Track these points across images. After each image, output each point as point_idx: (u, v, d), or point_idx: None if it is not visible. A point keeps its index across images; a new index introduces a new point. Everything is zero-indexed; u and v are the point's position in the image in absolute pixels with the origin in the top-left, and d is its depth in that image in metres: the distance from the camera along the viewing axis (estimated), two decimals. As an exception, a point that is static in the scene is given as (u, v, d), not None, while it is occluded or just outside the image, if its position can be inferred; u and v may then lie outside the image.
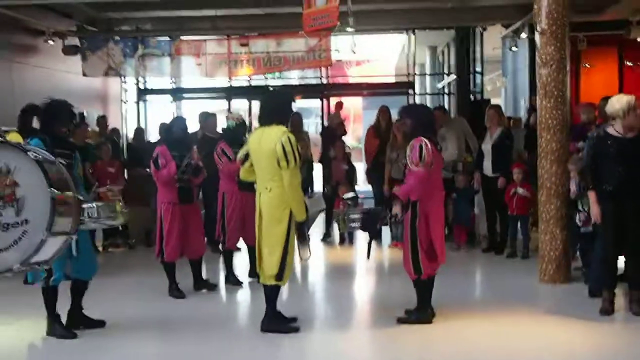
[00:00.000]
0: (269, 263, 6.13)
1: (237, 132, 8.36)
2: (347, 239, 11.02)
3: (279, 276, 6.14)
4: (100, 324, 6.51)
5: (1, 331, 6.40)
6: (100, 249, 10.35)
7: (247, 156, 6.39)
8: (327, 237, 11.38)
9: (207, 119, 10.43)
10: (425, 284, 6.44)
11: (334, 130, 12.47)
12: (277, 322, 6.29)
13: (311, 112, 20.10)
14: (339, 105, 14.76)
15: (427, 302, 6.48)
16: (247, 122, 9.33)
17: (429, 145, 6.24)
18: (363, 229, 6.85)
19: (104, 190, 6.38)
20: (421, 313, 6.47)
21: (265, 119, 6.29)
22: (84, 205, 5.49)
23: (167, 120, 12.61)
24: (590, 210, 6.60)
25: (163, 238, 7.64)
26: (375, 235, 7.39)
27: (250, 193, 8.10)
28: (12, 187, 4.69)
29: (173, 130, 7.96)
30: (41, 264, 5.11)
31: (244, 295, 8.01)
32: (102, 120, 12.45)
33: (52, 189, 4.63)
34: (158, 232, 7.71)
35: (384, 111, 11.36)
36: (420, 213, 6.28)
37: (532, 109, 11.93)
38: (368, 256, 6.89)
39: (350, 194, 7.72)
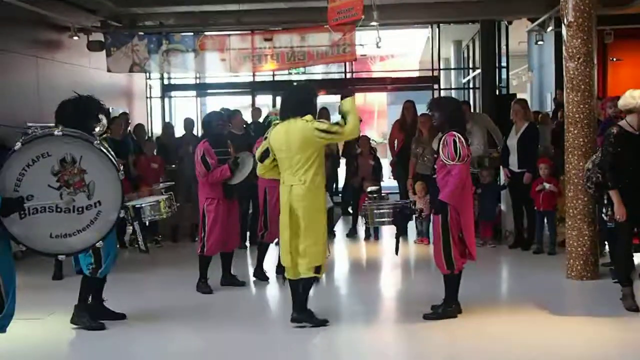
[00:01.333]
0: (315, 254, 6.13)
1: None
2: (373, 234, 10.98)
3: (319, 268, 6.17)
4: (121, 316, 6.57)
5: (31, 326, 6.44)
6: (127, 244, 10.40)
7: (267, 152, 6.36)
8: (353, 233, 11.35)
9: (234, 115, 10.38)
10: (455, 278, 6.42)
11: None
12: (308, 313, 6.30)
13: (335, 107, 20.06)
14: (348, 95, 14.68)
15: (454, 297, 6.45)
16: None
17: (462, 139, 6.20)
18: (393, 223, 6.81)
19: (153, 188, 6.81)
20: (447, 307, 6.44)
21: (289, 112, 6.25)
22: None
23: (192, 116, 12.69)
24: (615, 209, 6.49)
25: (205, 232, 7.69)
26: (403, 231, 7.37)
27: None
28: (80, 174, 5.22)
29: (213, 125, 7.98)
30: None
31: (272, 290, 8.01)
32: (123, 117, 12.48)
33: (120, 172, 5.24)
34: (201, 226, 7.78)
35: (409, 106, 11.32)
36: (451, 208, 6.25)
37: (558, 103, 11.82)
38: (397, 252, 6.85)
39: (374, 188, 7.69)
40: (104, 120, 6.08)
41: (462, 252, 6.33)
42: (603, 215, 7.66)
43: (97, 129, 5.91)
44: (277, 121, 6.50)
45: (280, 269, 8.47)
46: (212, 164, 7.62)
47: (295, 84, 7.90)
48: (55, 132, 5.26)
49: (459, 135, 6.23)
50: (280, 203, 6.34)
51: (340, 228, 12.03)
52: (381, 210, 6.82)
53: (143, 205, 6.60)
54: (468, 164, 6.35)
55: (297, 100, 6.36)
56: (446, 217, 6.25)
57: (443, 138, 6.31)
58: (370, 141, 11.89)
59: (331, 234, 11.23)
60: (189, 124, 11.60)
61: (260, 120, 12.51)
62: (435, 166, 6.41)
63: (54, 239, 5.29)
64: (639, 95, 6.46)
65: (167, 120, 16.55)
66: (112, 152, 5.72)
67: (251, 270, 8.49)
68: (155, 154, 11.16)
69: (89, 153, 5.26)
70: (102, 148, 5.46)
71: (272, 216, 7.80)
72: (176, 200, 10.98)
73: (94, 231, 5.33)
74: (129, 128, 11.83)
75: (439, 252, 6.36)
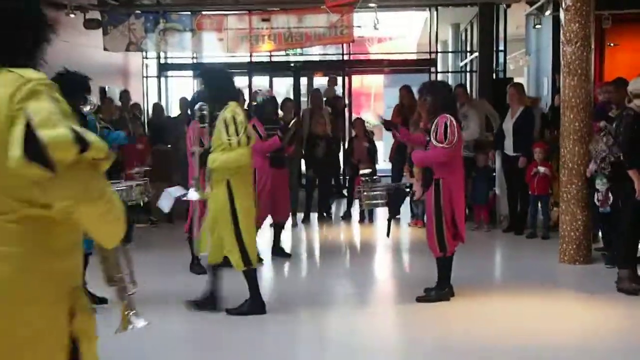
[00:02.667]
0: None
1: (267, 108, 8.36)
2: (367, 217, 11.00)
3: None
4: (103, 301, 6.40)
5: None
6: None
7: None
8: (348, 216, 11.37)
9: (238, 95, 10.35)
10: (448, 261, 6.44)
11: (332, 105, 12.42)
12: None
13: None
14: (333, 81, 14.67)
15: (447, 280, 6.48)
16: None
17: (454, 122, 6.21)
18: (387, 205, 6.83)
19: (132, 172, 6.56)
20: (440, 290, 6.47)
21: (214, 102, 6.03)
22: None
23: (188, 95, 12.65)
24: (636, 187, 6.51)
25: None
26: (395, 213, 7.39)
27: (281, 169, 8.15)
28: None
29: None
30: None
31: (267, 271, 8.02)
32: (125, 95, 12.45)
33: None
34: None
35: (405, 92, 11.25)
36: (444, 191, 6.26)
37: (555, 88, 11.81)
38: (388, 234, 6.87)
39: (367, 170, 7.71)
40: (94, 99, 5.85)
41: (455, 234, 6.36)
42: (595, 200, 7.72)
43: (86, 109, 5.74)
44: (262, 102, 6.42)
45: (276, 251, 8.53)
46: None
47: (207, 68, 7.66)
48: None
49: (452, 119, 6.24)
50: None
51: (335, 210, 12.05)
52: (374, 192, 6.83)
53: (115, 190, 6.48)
54: (456, 150, 6.36)
55: (216, 87, 6.09)
56: (439, 199, 6.27)
57: (435, 121, 6.32)
58: (365, 124, 11.88)
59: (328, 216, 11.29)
60: (184, 103, 11.57)
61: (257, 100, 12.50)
62: (428, 148, 6.43)
63: None
64: None
65: (162, 100, 16.50)
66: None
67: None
68: (142, 134, 11.08)
69: None
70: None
71: (262, 198, 7.81)
72: (171, 180, 11.04)
73: None
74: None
75: (431, 235, 6.38)
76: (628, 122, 6.61)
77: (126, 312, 2.66)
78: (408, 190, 6.96)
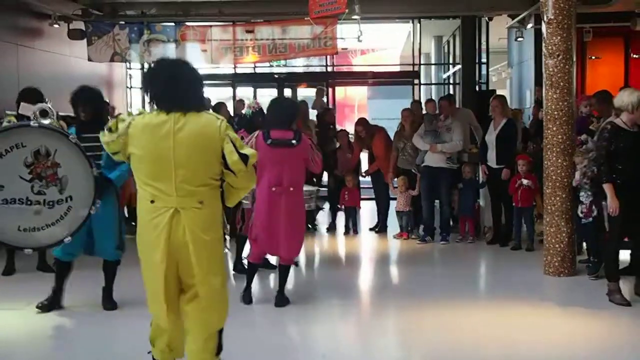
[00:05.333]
0: None
1: (254, 120, 8.37)
2: (352, 229, 11.02)
3: None
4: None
5: (11, 315, 6.42)
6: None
7: None
8: (332, 228, 11.37)
9: (219, 107, 10.34)
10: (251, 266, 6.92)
11: (322, 119, 12.41)
12: None
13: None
14: (321, 92, 14.65)
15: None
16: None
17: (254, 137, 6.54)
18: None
19: None
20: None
21: None
22: None
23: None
24: (609, 202, 6.59)
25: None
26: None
27: None
28: (53, 167, 5.09)
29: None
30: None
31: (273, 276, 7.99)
32: (106, 107, 12.40)
33: (94, 168, 5.10)
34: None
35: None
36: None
37: (537, 101, 11.91)
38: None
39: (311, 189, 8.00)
40: (49, 112, 5.80)
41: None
42: (579, 212, 7.80)
43: (46, 122, 5.73)
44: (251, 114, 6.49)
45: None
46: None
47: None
48: (31, 124, 5.14)
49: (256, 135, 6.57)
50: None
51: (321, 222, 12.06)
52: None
53: None
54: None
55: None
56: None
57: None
58: (349, 135, 11.91)
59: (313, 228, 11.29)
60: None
61: (244, 112, 12.51)
62: None
63: (22, 232, 5.15)
64: (627, 96, 6.60)
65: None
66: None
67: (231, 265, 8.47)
68: None
69: (64, 147, 5.14)
70: (78, 142, 5.35)
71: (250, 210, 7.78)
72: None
73: (63, 226, 5.19)
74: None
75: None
76: (604, 136, 6.67)
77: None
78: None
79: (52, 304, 6.42)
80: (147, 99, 4.19)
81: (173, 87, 4.01)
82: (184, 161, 3.93)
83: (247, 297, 6.84)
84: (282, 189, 6.47)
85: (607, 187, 6.59)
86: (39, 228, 5.16)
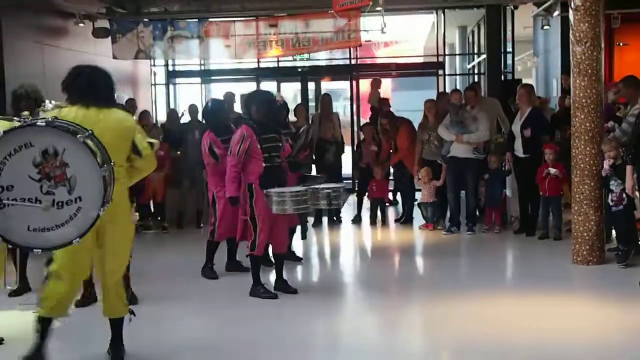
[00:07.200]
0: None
1: (281, 114, 8.37)
2: (381, 220, 11.00)
3: None
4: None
5: (11, 315, 6.48)
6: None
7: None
8: (357, 220, 11.35)
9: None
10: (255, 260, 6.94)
11: (378, 111, 12.32)
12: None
13: (339, 93, 20.01)
14: (377, 83, 14.35)
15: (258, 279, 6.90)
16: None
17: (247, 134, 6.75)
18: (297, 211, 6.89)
19: None
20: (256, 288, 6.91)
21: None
22: None
23: (196, 102, 12.66)
24: (626, 182, 6.53)
25: (216, 218, 7.76)
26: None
27: (297, 174, 8.13)
28: (61, 167, 4.98)
29: (219, 115, 8.06)
30: None
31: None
32: (131, 103, 12.47)
33: (103, 168, 4.97)
34: (211, 212, 7.87)
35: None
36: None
37: (563, 90, 11.79)
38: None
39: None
40: (48, 108, 5.77)
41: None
42: (609, 200, 7.71)
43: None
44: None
45: (287, 255, 8.50)
46: (220, 154, 7.61)
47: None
48: (38, 122, 5.12)
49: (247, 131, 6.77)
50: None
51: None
52: (283, 198, 6.59)
53: None
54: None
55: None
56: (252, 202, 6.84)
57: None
58: (374, 129, 11.84)
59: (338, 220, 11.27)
60: (193, 110, 11.60)
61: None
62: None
63: (32, 232, 5.06)
64: None
65: (171, 106, 16.54)
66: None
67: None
68: (160, 140, 11.14)
69: (72, 146, 5.00)
70: (87, 142, 5.33)
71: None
72: (181, 186, 11.06)
73: (73, 227, 5.05)
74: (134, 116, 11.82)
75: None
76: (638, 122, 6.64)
77: None
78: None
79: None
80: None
81: (92, 89, 5.10)
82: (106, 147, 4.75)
83: (285, 289, 7.02)
84: None
85: (628, 169, 6.54)
86: (49, 228, 5.04)
